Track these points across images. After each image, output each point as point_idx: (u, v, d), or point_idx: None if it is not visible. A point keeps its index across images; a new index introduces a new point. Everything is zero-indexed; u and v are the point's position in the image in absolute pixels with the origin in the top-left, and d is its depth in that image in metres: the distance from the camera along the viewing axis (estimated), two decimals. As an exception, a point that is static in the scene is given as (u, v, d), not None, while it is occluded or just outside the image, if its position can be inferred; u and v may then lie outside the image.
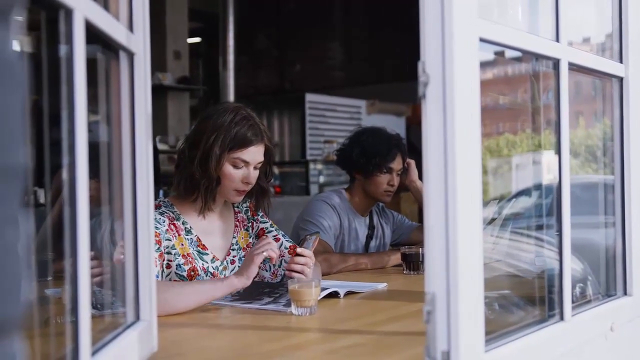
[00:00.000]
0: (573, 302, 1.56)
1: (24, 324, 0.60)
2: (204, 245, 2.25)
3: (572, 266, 1.57)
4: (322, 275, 2.62)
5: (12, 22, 0.58)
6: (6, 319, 0.56)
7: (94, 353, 1.10)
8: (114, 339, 1.24)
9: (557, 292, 1.54)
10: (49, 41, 1.07)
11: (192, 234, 2.24)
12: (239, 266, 2.31)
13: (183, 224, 2.24)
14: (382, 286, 2.36)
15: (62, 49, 1.02)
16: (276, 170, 7.66)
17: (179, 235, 2.20)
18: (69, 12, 1.00)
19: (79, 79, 1.02)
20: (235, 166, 2.20)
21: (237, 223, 2.39)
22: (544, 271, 1.80)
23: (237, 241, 2.37)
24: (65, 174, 1.02)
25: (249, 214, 2.43)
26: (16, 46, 0.60)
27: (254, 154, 2.22)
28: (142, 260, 1.39)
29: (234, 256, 2.35)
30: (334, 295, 2.13)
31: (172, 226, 2.19)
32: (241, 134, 2.18)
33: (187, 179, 2.21)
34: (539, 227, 1.98)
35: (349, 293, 2.20)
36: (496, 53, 1.49)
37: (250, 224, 2.43)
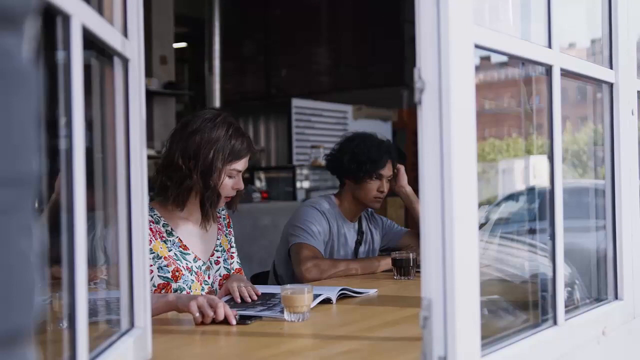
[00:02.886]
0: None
1: (35, 333, 0.60)
2: (185, 245, 2.30)
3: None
4: (313, 282, 2.63)
5: (25, 30, 0.58)
6: (21, 327, 0.56)
7: (90, 361, 1.09)
8: (110, 346, 1.24)
9: (550, 296, 1.55)
10: (45, 47, 1.07)
11: (173, 235, 2.29)
12: (224, 267, 2.41)
13: (164, 226, 2.29)
14: (373, 292, 2.37)
15: (59, 55, 1.02)
16: (262, 175, 7.64)
17: (157, 239, 2.25)
18: (66, 18, 0.99)
19: (76, 85, 1.01)
20: (230, 176, 2.30)
21: (220, 227, 2.47)
22: (534, 276, 1.81)
23: (220, 243, 2.44)
24: (62, 180, 1.02)
25: (225, 222, 2.52)
26: (29, 54, 0.59)
27: (246, 162, 2.34)
28: (137, 268, 1.38)
29: (218, 257, 2.41)
30: (326, 301, 2.12)
31: (149, 230, 2.21)
32: (237, 147, 2.28)
33: (186, 191, 2.26)
34: (528, 232, 1.99)
35: (342, 296, 2.20)
36: (482, 57, 1.49)
37: (227, 232, 2.52)
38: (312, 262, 2.77)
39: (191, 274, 2.26)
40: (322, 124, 8.33)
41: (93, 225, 1.43)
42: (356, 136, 3.14)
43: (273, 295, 2.21)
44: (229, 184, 2.30)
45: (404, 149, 7.74)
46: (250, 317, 1.89)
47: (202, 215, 2.32)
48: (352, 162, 3.02)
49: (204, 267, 2.33)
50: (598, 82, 1.85)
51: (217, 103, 8.64)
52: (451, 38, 1.16)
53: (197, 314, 1.83)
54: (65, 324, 1.14)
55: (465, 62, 1.20)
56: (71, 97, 1.01)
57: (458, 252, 1.16)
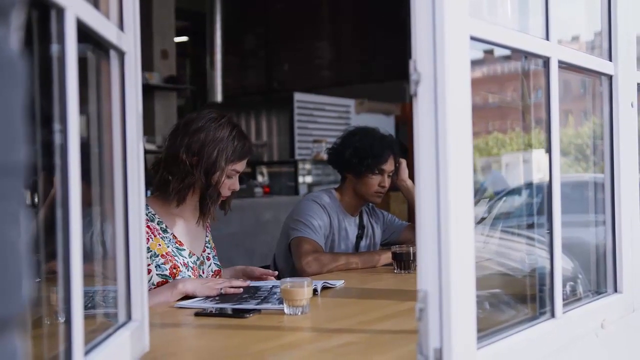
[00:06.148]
0: (564, 300, 1.57)
1: (24, 322, 0.60)
2: (180, 241, 2.33)
3: (562, 265, 1.58)
4: (313, 275, 2.63)
5: (12, 21, 0.58)
6: (8, 316, 0.57)
7: (86, 353, 1.09)
8: (106, 338, 1.24)
9: (548, 289, 1.55)
10: (39, 40, 1.07)
11: (168, 232, 2.31)
12: (214, 263, 2.46)
13: (158, 224, 2.31)
14: (339, 283, 2.39)
15: (53, 48, 1.02)
16: (264, 170, 7.64)
17: (155, 236, 2.26)
18: (60, 11, 0.99)
19: (70, 78, 1.01)
20: (229, 176, 2.33)
21: (208, 224, 2.50)
22: (534, 269, 1.81)
23: (208, 240, 2.49)
24: (56, 175, 1.02)
25: (209, 221, 2.55)
26: (16, 45, 0.60)
27: (244, 164, 2.38)
28: (134, 261, 1.39)
29: (208, 253, 2.46)
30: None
31: (146, 228, 2.22)
32: (240, 148, 2.32)
33: (187, 188, 2.29)
34: (529, 226, 1.99)
35: (324, 288, 2.25)
36: (485, 51, 1.49)
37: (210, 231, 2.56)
38: (313, 256, 2.78)
39: (187, 270, 2.29)
40: (324, 118, 8.33)
41: (92, 221, 1.44)
42: (358, 130, 3.14)
43: (258, 288, 2.23)
44: (227, 184, 2.33)
45: (406, 143, 7.74)
46: (249, 311, 1.89)
47: (201, 212, 2.35)
48: (354, 156, 3.01)
49: (198, 262, 2.37)
50: (597, 74, 1.84)
51: (218, 98, 8.65)
52: (446, 30, 1.16)
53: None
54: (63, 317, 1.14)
55: (460, 54, 1.20)
56: (66, 91, 1.01)
57: (454, 243, 1.16)
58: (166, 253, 2.25)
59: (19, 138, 0.57)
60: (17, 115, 0.57)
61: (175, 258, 2.27)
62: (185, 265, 2.29)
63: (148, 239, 2.22)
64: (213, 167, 2.27)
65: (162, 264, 2.23)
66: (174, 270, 2.25)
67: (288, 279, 1.96)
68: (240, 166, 2.35)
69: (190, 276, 2.28)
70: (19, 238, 0.58)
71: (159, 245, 2.26)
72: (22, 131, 0.58)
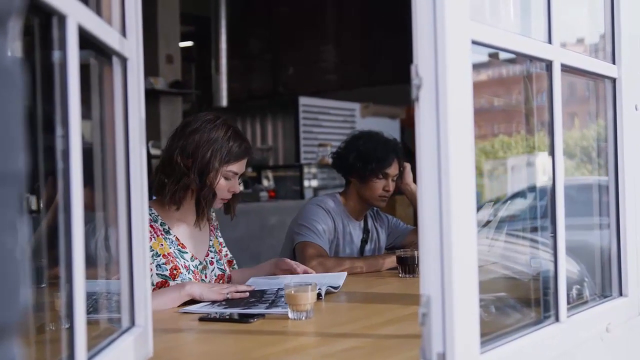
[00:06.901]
0: (569, 303, 1.57)
1: (22, 329, 0.60)
2: (182, 244, 2.34)
3: (568, 268, 1.58)
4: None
5: (10, 29, 0.59)
6: (6, 323, 0.57)
7: (89, 358, 1.09)
8: (110, 344, 1.24)
9: (553, 293, 1.54)
10: (42, 46, 1.07)
11: (171, 234, 2.32)
12: (217, 267, 2.45)
13: (161, 225, 2.32)
14: (342, 278, 2.41)
15: (55, 55, 1.02)
16: (270, 174, 7.64)
17: (158, 236, 2.28)
18: (62, 18, 1.00)
19: (72, 85, 1.02)
20: (226, 178, 2.33)
21: (212, 228, 2.51)
22: (539, 273, 1.80)
23: (212, 244, 2.48)
24: (59, 181, 1.02)
25: (216, 224, 2.56)
26: (14, 52, 0.60)
27: (243, 165, 2.37)
28: (137, 266, 1.39)
29: (212, 258, 2.45)
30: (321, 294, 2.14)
31: (149, 228, 2.23)
32: (235, 149, 2.32)
33: (182, 189, 2.29)
34: (534, 229, 1.99)
35: (328, 293, 2.24)
36: (490, 55, 1.49)
37: (217, 234, 2.55)
38: (317, 261, 2.78)
39: (188, 273, 2.29)
40: (329, 122, 8.33)
41: (96, 227, 1.44)
42: (363, 134, 3.14)
43: (264, 292, 2.23)
44: (225, 185, 2.33)
45: (412, 146, 7.72)
46: (253, 316, 1.89)
47: (197, 214, 2.35)
48: (358, 160, 3.01)
49: (200, 267, 2.38)
50: (601, 77, 1.84)
51: (224, 102, 8.65)
52: (447, 34, 1.16)
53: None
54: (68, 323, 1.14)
55: (462, 58, 1.20)
56: (67, 97, 1.02)
57: (456, 248, 1.16)
58: (168, 253, 2.26)
59: (18, 146, 0.58)
60: (15, 123, 0.57)
61: (177, 259, 2.28)
62: (186, 267, 2.29)
63: (150, 238, 2.23)
64: (207, 168, 2.27)
65: (163, 264, 2.24)
66: (174, 272, 2.25)
67: (292, 284, 1.96)
68: (237, 167, 2.34)
69: (190, 279, 2.28)
70: (16, 246, 0.58)
71: (161, 245, 2.27)
72: (21, 139, 0.58)
